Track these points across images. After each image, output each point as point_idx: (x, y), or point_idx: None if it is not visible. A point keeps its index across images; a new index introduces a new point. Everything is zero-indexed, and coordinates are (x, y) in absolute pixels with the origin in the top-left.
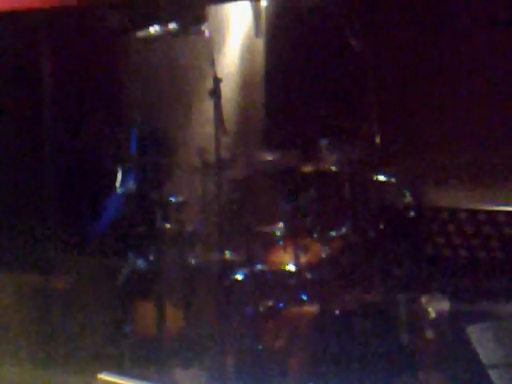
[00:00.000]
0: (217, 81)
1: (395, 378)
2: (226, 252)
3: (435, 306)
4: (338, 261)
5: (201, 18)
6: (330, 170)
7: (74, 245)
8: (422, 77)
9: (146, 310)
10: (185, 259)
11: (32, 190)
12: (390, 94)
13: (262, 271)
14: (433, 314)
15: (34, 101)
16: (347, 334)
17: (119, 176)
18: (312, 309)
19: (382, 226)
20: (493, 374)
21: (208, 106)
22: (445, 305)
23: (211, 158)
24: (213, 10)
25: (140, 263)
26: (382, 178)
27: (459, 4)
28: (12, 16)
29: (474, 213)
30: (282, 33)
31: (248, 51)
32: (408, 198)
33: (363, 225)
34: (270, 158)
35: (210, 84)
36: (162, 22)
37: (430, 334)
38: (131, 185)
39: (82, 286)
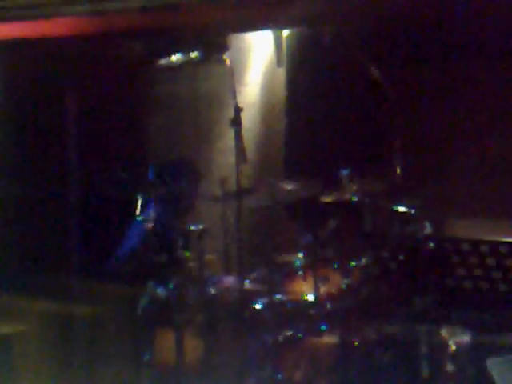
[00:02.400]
0: (238, 110)
1: None
2: (246, 281)
3: (456, 339)
4: (357, 291)
5: (222, 48)
6: (351, 200)
7: (93, 273)
8: (444, 108)
9: (165, 339)
10: (204, 288)
11: (53, 218)
12: (411, 124)
13: (282, 301)
14: (453, 347)
15: (55, 129)
16: (366, 365)
17: (140, 205)
18: (331, 339)
19: (402, 257)
20: None
21: (229, 135)
22: (465, 337)
23: (232, 186)
24: (234, 39)
25: (159, 292)
26: (402, 208)
27: (484, 38)
28: (33, 44)
29: (494, 244)
30: (304, 62)
31: (269, 80)
32: (428, 229)
33: (383, 256)
34: (290, 187)
35: (231, 113)
36: (184, 51)
37: (450, 366)
38: (152, 213)
39: (100, 314)
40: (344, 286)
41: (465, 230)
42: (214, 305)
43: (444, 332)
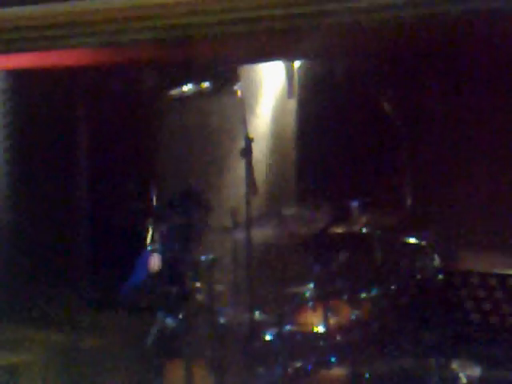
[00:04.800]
0: (248, 140)
1: None
2: (256, 312)
3: (466, 372)
4: (367, 324)
5: (234, 79)
6: (361, 231)
7: (102, 303)
8: (455, 141)
9: (175, 370)
10: (214, 319)
11: (62, 248)
12: (422, 157)
13: (292, 332)
14: (464, 380)
15: (67, 158)
16: None
17: (150, 235)
18: (341, 371)
19: (411, 290)
20: None
21: (239, 165)
22: (476, 371)
23: (242, 217)
24: (246, 70)
25: (169, 322)
26: (412, 241)
27: (494, 70)
28: (47, 74)
29: (504, 278)
30: (315, 94)
31: (280, 112)
32: (438, 262)
33: (393, 288)
34: (300, 218)
35: (241, 144)
36: (195, 81)
37: None
38: (162, 244)
39: (110, 344)
40: (354, 318)
41: (475, 262)
42: (224, 336)
43: (455, 365)
